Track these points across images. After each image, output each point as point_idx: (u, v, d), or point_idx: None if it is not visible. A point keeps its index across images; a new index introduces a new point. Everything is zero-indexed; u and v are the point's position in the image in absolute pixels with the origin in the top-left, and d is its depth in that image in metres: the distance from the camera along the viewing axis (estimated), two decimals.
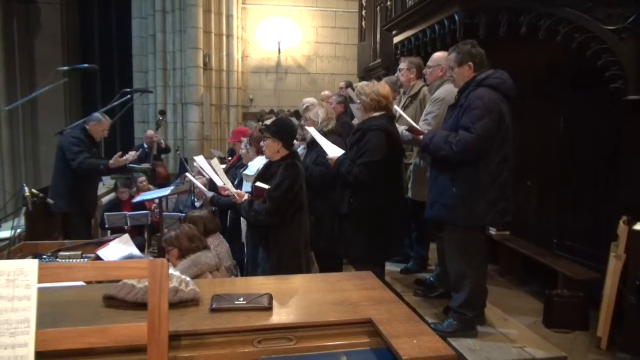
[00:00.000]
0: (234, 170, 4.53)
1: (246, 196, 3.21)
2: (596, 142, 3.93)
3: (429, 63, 3.93)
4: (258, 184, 3.04)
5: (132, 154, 4.84)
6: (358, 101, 3.48)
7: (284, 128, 3.14)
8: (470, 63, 3.03)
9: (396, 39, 5.75)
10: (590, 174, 4.01)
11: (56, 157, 4.69)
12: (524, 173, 4.47)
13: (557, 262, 3.88)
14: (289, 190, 2.98)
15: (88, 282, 1.89)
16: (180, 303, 1.48)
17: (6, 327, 1.08)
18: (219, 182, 3.45)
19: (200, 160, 3.82)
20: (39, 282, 1.12)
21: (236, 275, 3.65)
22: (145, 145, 8.13)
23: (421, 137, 3.26)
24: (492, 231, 4.54)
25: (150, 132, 8.27)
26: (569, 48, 3.27)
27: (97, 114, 4.77)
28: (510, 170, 3.01)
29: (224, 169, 3.73)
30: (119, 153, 4.69)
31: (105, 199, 7.03)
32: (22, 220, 3.34)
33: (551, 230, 4.41)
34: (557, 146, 4.41)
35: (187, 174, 4.80)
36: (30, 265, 1.12)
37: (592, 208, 3.99)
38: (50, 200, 3.80)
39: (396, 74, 4.44)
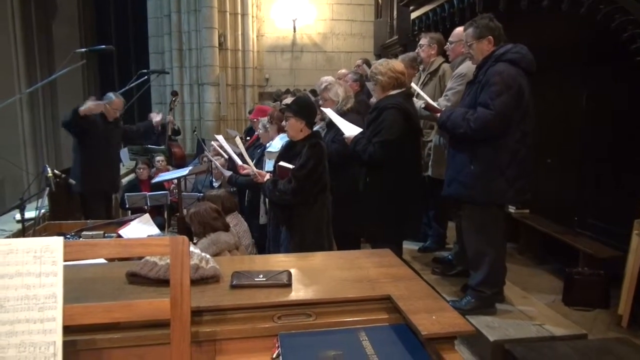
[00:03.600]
0: (252, 150, 4.54)
1: (268, 176, 3.21)
2: (619, 118, 3.83)
3: (450, 39, 3.85)
4: (282, 163, 3.03)
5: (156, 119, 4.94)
6: (373, 80, 3.44)
7: (306, 106, 3.12)
8: (490, 37, 2.97)
9: (414, 15, 5.64)
10: (612, 151, 3.93)
11: (73, 140, 4.73)
12: (544, 150, 4.39)
13: (578, 240, 3.84)
14: (314, 170, 2.97)
15: (110, 261, 1.94)
16: (201, 280, 1.50)
17: (34, 302, 1.11)
18: (239, 162, 3.46)
19: (221, 139, 3.84)
20: (64, 259, 1.15)
21: (254, 254, 3.69)
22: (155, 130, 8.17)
23: (438, 114, 3.22)
24: (511, 209, 4.50)
25: (153, 114, 8.30)
26: (592, 20, 3.17)
27: (110, 94, 4.77)
28: (530, 146, 2.96)
29: (245, 147, 3.74)
30: (91, 97, 4.68)
31: (125, 180, 7.13)
32: (45, 201, 3.41)
33: (572, 208, 4.35)
34: (578, 122, 4.31)
35: (206, 153, 4.83)
36: (55, 243, 1.15)
37: (614, 185, 3.92)
38: (72, 181, 3.87)
39: (416, 51, 4.36)
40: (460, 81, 3.57)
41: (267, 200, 3.67)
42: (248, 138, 5.84)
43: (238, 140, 3.61)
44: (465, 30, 3.11)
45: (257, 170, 3.38)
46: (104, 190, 4.85)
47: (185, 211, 3.14)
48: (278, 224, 3.13)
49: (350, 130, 3.40)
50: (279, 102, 6.15)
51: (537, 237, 4.34)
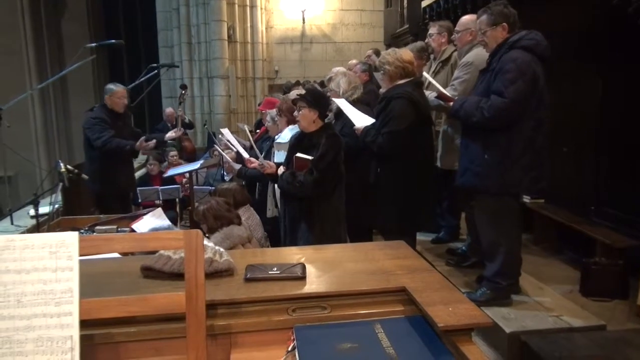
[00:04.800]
0: (261, 143, 4.53)
1: (282, 168, 3.19)
2: (637, 105, 3.76)
3: (457, 28, 3.81)
4: (300, 155, 3.01)
5: (169, 134, 4.83)
6: (381, 70, 3.42)
7: (320, 97, 3.11)
8: (504, 24, 2.92)
9: (424, 3, 5.58)
10: (630, 139, 3.86)
11: (83, 143, 4.66)
12: (560, 138, 4.32)
13: (595, 229, 3.79)
14: (334, 160, 2.97)
15: (124, 254, 1.96)
16: (216, 273, 1.51)
17: (51, 296, 1.13)
18: (245, 155, 3.47)
19: (226, 133, 3.84)
20: (80, 254, 1.16)
21: (267, 247, 3.70)
22: (169, 124, 8.21)
23: (451, 103, 3.18)
24: (526, 199, 4.45)
25: (169, 109, 8.33)
26: (608, 4, 3.11)
27: (108, 86, 4.65)
28: (545, 135, 2.93)
29: (253, 139, 3.74)
30: (143, 137, 4.62)
31: (136, 175, 7.18)
32: (59, 196, 3.44)
33: (588, 197, 4.28)
34: (595, 109, 4.24)
35: (215, 146, 4.85)
36: (71, 238, 1.16)
37: (631, 174, 3.86)
38: (85, 176, 3.90)
39: (425, 40, 4.32)
40: (467, 70, 3.54)
41: (275, 193, 3.67)
42: (257, 131, 5.85)
43: (247, 132, 3.60)
44: (478, 17, 3.07)
45: (264, 160, 3.37)
46: (122, 188, 4.79)
47: (196, 210, 3.14)
48: (294, 217, 3.11)
49: (361, 121, 3.38)
50: (289, 94, 6.14)
51: (552, 227, 4.30)
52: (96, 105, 4.72)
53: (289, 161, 3.17)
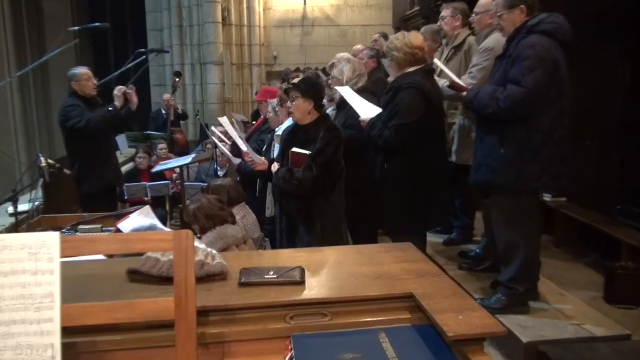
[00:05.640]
0: (259, 135, 4.54)
1: (276, 165, 3.20)
2: None
3: (475, 9, 3.80)
4: (296, 149, 3.00)
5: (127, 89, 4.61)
6: (388, 57, 3.40)
7: (315, 86, 3.11)
8: (522, 6, 2.92)
9: None
10: None
11: (64, 141, 4.64)
12: (583, 130, 4.32)
13: (621, 230, 3.78)
14: (334, 155, 2.98)
15: (109, 256, 1.97)
16: (207, 277, 1.52)
17: (31, 301, 1.13)
18: (244, 148, 3.47)
19: (224, 122, 3.84)
20: (61, 255, 1.17)
21: (265, 249, 3.72)
22: (164, 111, 8.23)
23: (464, 93, 3.18)
24: (546, 197, 4.45)
25: (167, 95, 8.34)
26: None
27: (70, 72, 4.60)
28: (567, 127, 2.93)
29: (248, 133, 3.75)
30: (118, 87, 4.55)
31: (122, 170, 7.19)
32: (39, 193, 3.46)
33: (614, 195, 4.28)
34: (621, 99, 4.23)
35: (212, 138, 4.85)
36: (52, 238, 1.17)
37: None
38: (67, 171, 3.91)
39: (438, 23, 4.31)
40: (486, 56, 3.53)
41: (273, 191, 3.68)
42: (253, 122, 5.86)
43: (224, 120, 3.58)
44: None
45: (257, 156, 3.37)
46: (110, 182, 4.79)
47: (187, 209, 3.15)
48: (292, 217, 3.12)
49: (367, 111, 3.37)
50: (285, 83, 6.14)
51: (575, 227, 4.30)
52: (66, 97, 4.68)
53: (282, 156, 3.16)
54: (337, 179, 3.08)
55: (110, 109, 4.47)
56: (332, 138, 2.97)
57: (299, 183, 2.96)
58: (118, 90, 4.55)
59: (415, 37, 3.38)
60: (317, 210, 3.02)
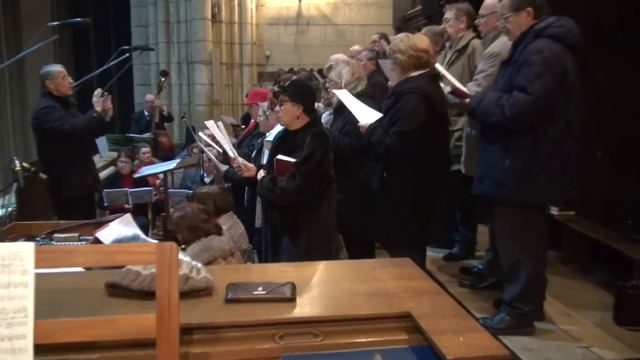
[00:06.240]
0: (251, 140, 4.54)
1: (262, 172, 3.20)
2: None
3: (481, 11, 3.83)
4: (281, 157, 3.00)
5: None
6: (391, 59, 3.42)
7: (305, 89, 3.11)
8: (530, 8, 2.95)
9: None
10: None
11: (38, 144, 4.58)
12: (594, 141, 4.35)
13: (633, 248, 3.80)
14: (321, 163, 2.95)
15: (87, 268, 1.96)
16: (192, 292, 1.52)
17: (2, 317, 1.13)
18: (231, 154, 3.47)
19: (211, 126, 3.84)
20: (36, 267, 1.17)
21: (253, 262, 3.71)
22: (147, 112, 8.23)
23: (467, 100, 3.20)
24: (554, 211, 4.47)
25: (150, 96, 8.34)
26: None
27: (43, 70, 4.55)
28: (576, 137, 2.95)
29: (240, 137, 3.75)
30: (98, 91, 4.48)
31: (102, 174, 7.17)
32: (12, 198, 3.44)
33: (626, 209, 4.31)
34: (635, 108, 4.27)
35: (199, 142, 4.84)
36: (26, 249, 1.17)
37: None
38: (43, 175, 3.89)
39: (442, 25, 4.34)
40: (492, 62, 3.55)
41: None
42: (243, 126, 5.87)
43: (211, 123, 3.59)
44: (501, 0, 3.09)
45: (244, 161, 3.37)
46: (89, 187, 4.74)
47: (170, 217, 3.14)
48: (277, 229, 3.11)
49: (366, 117, 3.38)
50: (278, 84, 6.16)
51: (584, 243, 4.32)
52: (39, 98, 4.63)
53: (270, 164, 3.16)
54: (326, 189, 3.04)
55: (94, 114, 4.42)
56: (319, 145, 2.95)
57: (282, 192, 2.95)
58: (96, 96, 4.48)
59: (421, 40, 3.39)
60: (302, 221, 3.00)
